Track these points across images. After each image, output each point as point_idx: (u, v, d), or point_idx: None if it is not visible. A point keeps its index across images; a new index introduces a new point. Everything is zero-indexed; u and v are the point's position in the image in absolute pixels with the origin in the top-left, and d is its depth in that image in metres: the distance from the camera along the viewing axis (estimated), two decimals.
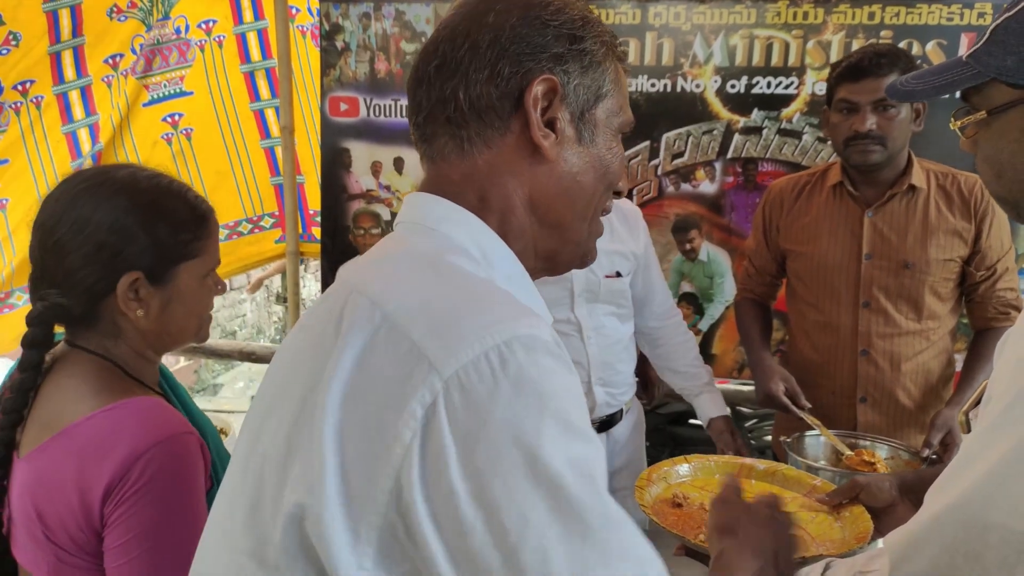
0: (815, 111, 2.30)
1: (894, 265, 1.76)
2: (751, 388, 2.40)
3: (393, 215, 2.74)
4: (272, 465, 0.61)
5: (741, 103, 2.36)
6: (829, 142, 2.28)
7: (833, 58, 2.25)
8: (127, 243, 1.02)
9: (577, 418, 0.56)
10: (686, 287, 2.50)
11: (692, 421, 2.91)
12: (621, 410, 1.90)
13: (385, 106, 2.66)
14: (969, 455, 0.74)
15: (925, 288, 1.75)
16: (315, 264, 5.83)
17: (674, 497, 1.26)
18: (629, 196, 2.40)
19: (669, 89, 2.40)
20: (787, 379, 1.78)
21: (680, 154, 2.43)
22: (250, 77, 2.99)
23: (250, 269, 3.84)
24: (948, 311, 1.80)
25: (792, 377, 1.79)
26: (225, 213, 3.02)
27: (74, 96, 2.65)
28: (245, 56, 2.97)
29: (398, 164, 2.70)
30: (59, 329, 1.07)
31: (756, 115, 2.35)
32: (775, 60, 2.31)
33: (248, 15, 2.94)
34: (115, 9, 2.66)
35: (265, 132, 3.06)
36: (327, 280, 2.86)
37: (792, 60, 2.30)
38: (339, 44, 2.67)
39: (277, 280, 6.47)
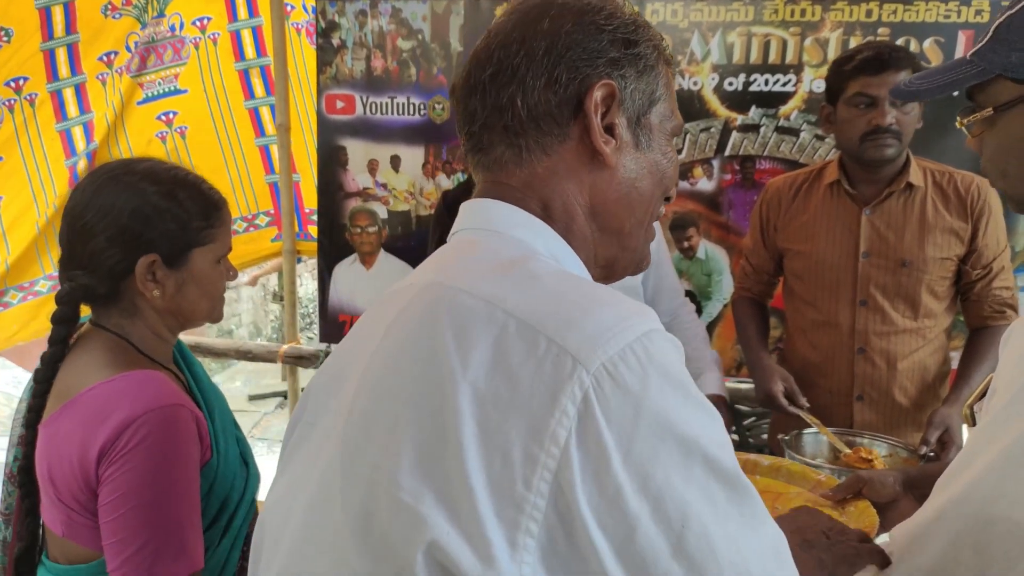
0: (813, 108, 2.29)
1: (891, 263, 1.76)
2: (749, 386, 2.39)
3: (389, 213, 2.74)
4: (386, 475, 0.57)
5: (739, 101, 2.35)
6: (827, 139, 2.28)
7: (831, 55, 2.25)
8: (146, 227, 1.12)
9: (705, 400, 0.59)
10: (684, 285, 2.49)
11: None
12: None
13: (381, 104, 2.65)
14: (973, 449, 0.74)
15: (922, 287, 1.75)
16: (312, 262, 5.83)
17: None
18: None
19: None
20: (786, 378, 1.78)
21: (678, 151, 2.43)
22: (245, 75, 2.98)
23: (246, 267, 3.84)
24: (944, 309, 1.80)
25: (791, 376, 1.79)
26: None
27: (68, 94, 2.63)
28: (240, 54, 2.96)
29: (394, 162, 2.69)
30: (86, 312, 1.18)
31: (754, 113, 2.35)
32: (773, 57, 2.31)
33: (243, 12, 2.92)
34: (109, 6, 2.64)
35: (260, 130, 3.05)
36: (324, 279, 2.85)
37: (790, 57, 2.30)
38: (335, 41, 2.65)
39: (274, 279, 6.46)
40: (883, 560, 0.81)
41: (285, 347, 2.94)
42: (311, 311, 6.66)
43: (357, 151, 2.71)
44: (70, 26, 2.57)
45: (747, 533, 0.57)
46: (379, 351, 0.65)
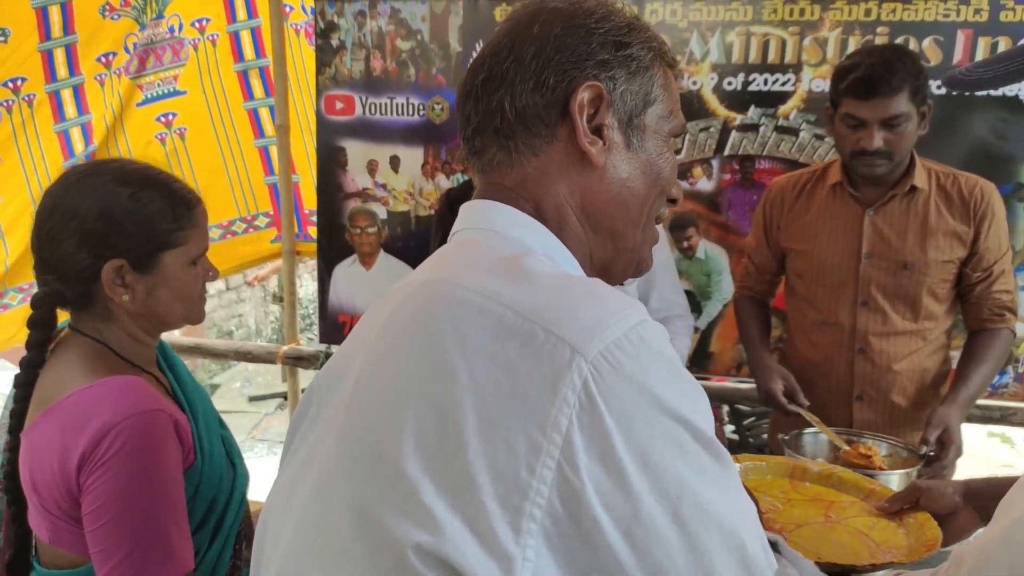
0: (812, 108, 2.29)
1: (893, 265, 1.76)
2: (749, 386, 2.39)
3: (389, 214, 2.73)
4: (387, 466, 0.58)
5: (738, 100, 2.35)
6: (827, 139, 2.28)
7: (830, 55, 2.25)
8: (112, 230, 1.08)
9: (693, 378, 0.62)
10: (684, 285, 2.49)
11: None
12: None
13: (381, 104, 2.65)
14: None
15: (923, 289, 1.75)
16: (312, 263, 5.82)
17: None
18: None
19: None
20: (786, 377, 1.78)
21: (677, 151, 2.43)
22: (243, 76, 2.98)
23: (246, 268, 3.83)
24: (945, 311, 1.80)
25: (791, 375, 1.79)
26: (219, 212, 3.00)
27: (66, 95, 2.62)
28: (239, 55, 2.95)
29: (394, 162, 2.69)
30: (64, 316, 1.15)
31: (753, 112, 2.34)
32: (772, 57, 2.31)
33: (241, 13, 2.91)
34: (108, 7, 2.63)
35: (259, 131, 3.05)
36: (323, 279, 2.85)
37: (789, 57, 2.30)
38: (334, 42, 2.65)
39: (273, 280, 6.45)
40: None
41: (285, 348, 2.94)
42: (311, 312, 6.65)
43: (356, 152, 2.71)
44: (68, 26, 2.56)
45: (735, 497, 0.61)
46: (378, 346, 0.66)
